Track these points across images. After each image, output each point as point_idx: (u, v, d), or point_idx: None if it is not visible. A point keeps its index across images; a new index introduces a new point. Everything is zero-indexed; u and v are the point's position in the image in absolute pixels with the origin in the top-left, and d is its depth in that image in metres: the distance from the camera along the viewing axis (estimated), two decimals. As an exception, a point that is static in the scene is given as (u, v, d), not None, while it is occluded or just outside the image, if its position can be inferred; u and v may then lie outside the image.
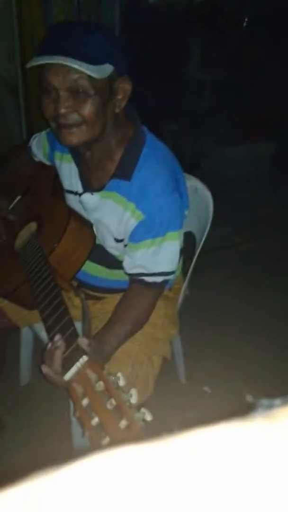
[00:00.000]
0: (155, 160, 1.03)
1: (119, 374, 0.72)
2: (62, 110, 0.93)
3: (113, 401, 0.68)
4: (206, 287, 2.24)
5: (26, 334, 1.61)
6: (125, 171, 1.03)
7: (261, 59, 3.71)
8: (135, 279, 1.09)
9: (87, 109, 0.93)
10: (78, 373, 0.79)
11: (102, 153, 1.06)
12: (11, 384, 1.75)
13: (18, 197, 1.36)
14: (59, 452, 1.52)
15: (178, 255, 1.10)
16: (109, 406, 0.68)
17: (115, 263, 1.18)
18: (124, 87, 0.99)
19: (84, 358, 0.80)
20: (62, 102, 0.92)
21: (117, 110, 1.00)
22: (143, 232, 1.04)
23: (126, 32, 2.22)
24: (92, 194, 1.09)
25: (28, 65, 0.92)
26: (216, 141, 3.81)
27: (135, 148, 1.04)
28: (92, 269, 1.22)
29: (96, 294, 1.28)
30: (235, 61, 3.68)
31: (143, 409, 0.66)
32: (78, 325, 1.28)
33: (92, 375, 0.76)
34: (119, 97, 0.99)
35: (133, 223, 1.04)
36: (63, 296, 0.99)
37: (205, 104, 3.81)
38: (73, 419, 1.31)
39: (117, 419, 0.66)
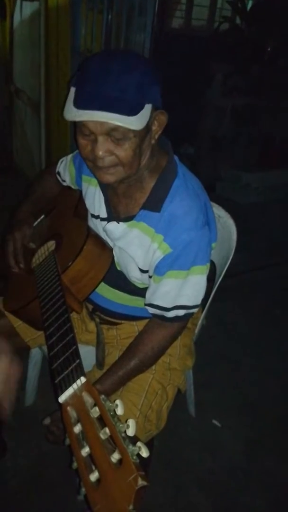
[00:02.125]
0: (186, 192, 1.00)
1: (117, 401, 0.65)
2: (100, 154, 0.90)
3: (107, 430, 0.61)
4: (218, 314, 2.20)
5: (35, 355, 1.57)
6: (155, 203, 1.00)
7: (281, 88, 3.74)
8: (156, 314, 1.06)
9: (125, 152, 0.91)
10: (73, 395, 0.72)
11: (133, 182, 1.03)
12: (16, 405, 1.71)
13: (42, 217, 1.35)
14: (64, 475, 1.47)
15: (203, 289, 1.06)
16: (102, 436, 0.61)
17: (134, 290, 1.15)
18: (160, 119, 0.96)
19: (82, 379, 0.73)
20: (100, 146, 0.89)
21: (152, 142, 0.98)
22: (169, 265, 1.01)
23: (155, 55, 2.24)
24: (118, 223, 1.07)
25: (68, 119, 0.87)
26: (233, 166, 3.82)
27: (167, 180, 1.01)
28: (110, 294, 1.19)
29: (112, 319, 1.25)
30: (256, 89, 3.71)
31: (139, 443, 0.58)
32: (91, 350, 1.25)
33: (88, 399, 0.69)
34: (154, 128, 0.96)
35: (159, 255, 1.01)
36: (70, 315, 0.94)
37: (223, 130, 3.83)
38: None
39: (109, 452, 0.59)
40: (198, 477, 1.55)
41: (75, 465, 0.64)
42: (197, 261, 1.01)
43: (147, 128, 0.92)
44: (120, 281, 1.15)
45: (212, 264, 1.41)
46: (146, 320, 1.11)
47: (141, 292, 1.14)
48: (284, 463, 1.63)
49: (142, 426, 1.06)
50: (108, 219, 1.10)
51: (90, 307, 1.27)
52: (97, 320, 1.26)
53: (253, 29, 3.84)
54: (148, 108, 0.89)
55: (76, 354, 0.80)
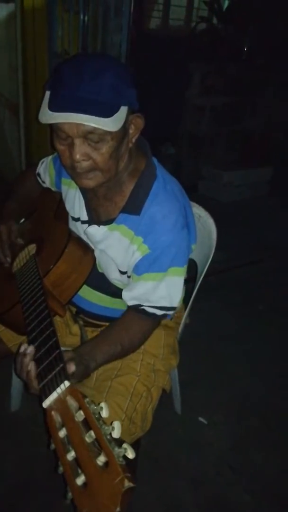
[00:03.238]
0: (165, 195, 1.01)
1: (102, 404, 0.65)
2: (78, 157, 0.89)
3: (92, 433, 0.61)
4: (202, 312, 2.22)
5: (19, 359, 1.55)
6: (135, 206, 1.01)
7: (259, 86, 3.79)
8: (135, 307, 1.06)
9: (102, 156, 0.90)
10: (57, 400, 0.71)
11: (112, 185, 1.03)
12: (1, 411, 1.70)
13: (22, 220, 1.34)
14: (51, 479, 1.46)
15: (181, 291, 1.07)
16: (87, 439, 0.61)
17: (116, 292, 1.15)
18: (137, 122, 0.96)
19: (66, 383, 0.73)
20: (76, 149, 0.89)
21: (130, 145, 0.97)
22: (146, 266, 1.02)
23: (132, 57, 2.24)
24: (99, 226, 1.07)
25: (44, 121, 0.87)
26: (214, 165, 3.84)
27: (146, 183, 1.01)
28: (93, 297, 1.19)
29: (95, 321, 1.25)
30: (234, 87, 3.75)
31: (125, 445, 0.58)
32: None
33: (72, 403, 0.69)
34: (131, 131, 0.96)
35: (137, 256, 1.02)
36: (53, 319, 0.93)
37: (204, 129, 3.86)
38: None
39: (94, 455, 0.59)
40: (186, 474, 1.56)
41: (61, 469, 0.64)
42: (174, 263, 1.02)
43: (124, 131, 0.92)
44: (102, 283, 1.15)
45: (193, 263, 1.43)
46: None
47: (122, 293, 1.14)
48: (271, 458, 1.65)
49: (127, 428, 1.06)
50: (89, 222, 1.09)
51: (74, 310, 1.27)
52: (81, 322, 1.26)
53: (229, 29, 3.87)
54: (123, 110, 0.89)
55: (60, 358, 0.80)
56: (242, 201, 3.81)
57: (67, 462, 0.62)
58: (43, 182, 1.32)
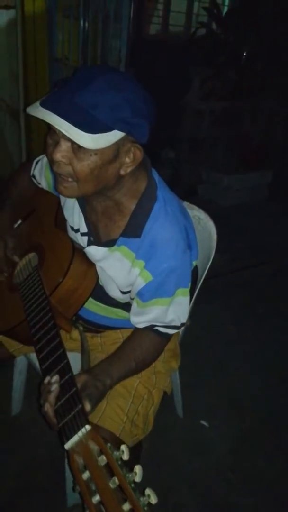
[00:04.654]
0: (165, 218, 0.98)
1: (123, 447, 0.67)
2: (57, 157, 0.87)
3: (116, 480, 0.64)
4: (203, 315, 2.22)
5: (20, 362, 1.56)
6: (135, 229, 0.99)
7: (258, 90, 3.81)
8: (147, 327, 1.06)
9: (82, 167, 0.87)
10: (79, 443, 0.74)
11: (110, 204, 1.01)
12: (3, 413, 1.70)
13: (19, 222, 1.31)
14: (53, 481, 1.46)
15: (188, 308, 1.08)
16: (111, 485, 0.63)
17: (117, 304, 1.15)
18: (135, 154, 0.91)
19: (87, 427, 0.75)
20: (58, 149, 0.86)
21: (122, 173, 0.92)
22: (152, 292, 1.01)
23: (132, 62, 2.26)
24: (98, 246, 1.06)
25: (27, 111, 0.85)
26: (214, 169, 3.86)
27: (146, 205, 0.99)
28: (93, 307, 1.18)
29: (96, 328, 1.25)
30: (233, 93, 3.77)
31: (147, 491, 0.61)
32: (76, 356, 1.25)
33: (94, 447, 0.71)
34: (128, 160, 0.91)
35: (140, 282, 1.01)
36: (61, 336, 0.94)
37: (203, 134, 3.87)
38: (68, 474, 1.27)
39: (119, 501, 0.62)
40: (187, 477, 1.56)
41: None
42: (180, 285, 1.02)
43: (115, 155, 0.88)
44: (103, 295, 1.14)
45: (194, 266, 1.43)
46: (130, 329, 1.11)
47: (123, 305, 1.14)
48: (272, 461, 1.65)
49: (129, 431, 1.06)
50: (88, 235, 1.08)
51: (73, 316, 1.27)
52: (81, 328, 1.25)
53: (228, 34, 3.90)
54: (116, 134, 0.85)
55: (78, 397, 0.82)
56: (242, 205, 3.82)
57: (92, 505, 0.64)
58: (39, 183, 1.28)
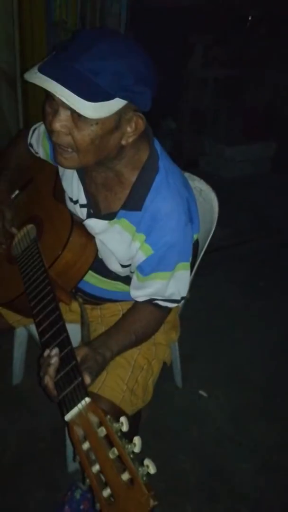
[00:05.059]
0: (167, 190, 0.96)
1: (122, 419, 0.68)
2: (57, 127, 0.84)
3: (115, 450, 0.65)
4: (203, 288, 2.22)
5: (20, 334, 1.57)
6: (136, 202, 0.96)
7: (263, 58, 3.69)
8: (147, 301, 1.05)
9: (82, 136, 0.84)
10: (79, 415, 0.75)
11: (111, 175, 0.99)
12: (3, 384, 1.72)
13: (16, 192, 1.29)
14: (53, 451, 1.49)
15: (188, 282, 1.07)
16: (111, 455, 0.65)
17: (117, 277, 1.14)
18: (137, 123, 0.88)
19: (87, 400, 0.75)
20: (58, 118, 0.83)
21: (123, 143, 0.90)
22: (152, 266, 1.00)
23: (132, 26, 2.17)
24: (98, 219, 1.03)
25: (25, 77, 0.81)
26: (216, 140, 3.78)
27: (148, 176, 0.96)
28: (92, 279, 1.17)
29: (95, 301, 1.25)
30: (237, 60, 3.65)
31: (146, 461, 0.62)
32: (76, 328, 1.25)
33: (94, 419, 0.73)
34: (129, 130, 0.88)
35: (141, 256, 1.00)
36: (60, 309, 0.94)
37: (206, 103, 3.78)
38: (68, 442, 1.29)
39: (119, 471, 0.63)
40: (186, 445, 1.59)
41: (87, 482, 0.66)
42: (180, 259, 1.01)
43: (117, 124, 0.85)
44: (102, 268, 1.13)
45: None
46: (130, 301, 1.11)
47: (123, 278, 1.13)
48: (271, 429, 1.68)
49: (129, 400, 1.07)
50: (87, 207, 1.05)
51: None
52: (80, 300, 1.25)
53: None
54: (118, 102, 0.82)
55: (78, 370, 0.82)
56: (245, 177, 3.76)
57: (92, 474, 0.66)
58: (36, 153, 1.24)
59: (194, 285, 1.43)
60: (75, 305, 1.28)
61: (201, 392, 1.80)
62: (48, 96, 0.84)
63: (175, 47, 3.37)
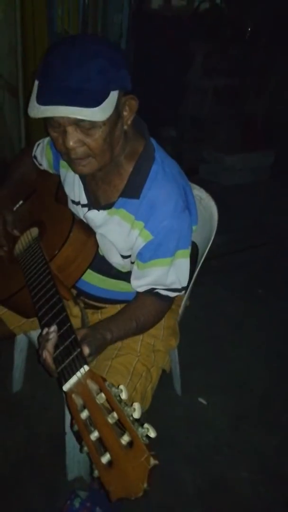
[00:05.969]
0: (164, 178, 1.00)
1: (121, 387, 0.68)
2: (71, 144, 0.88)
3: (115, 414, 0.64)
4: (202, 295, 2.23)
5: (20, 341, 1.57)
6: (134, 190, 1.00)
7: (262, 68, 3.73)
8: (148, 291, 1.07)
9: (96, 142, 0.89)
10: (78, 383, 0.74)
11: (110, 168, 1.02)
12: (3, 390, 1.72)
13: (20, 202, 1.33)
14: (53, 457, 1.49)
15: (188, 271, 1.08)
16: (110, 420, 0.64)
17: (118, 275, 1.16)
18: (131, 104, 0.94)
19: (85, 367, 0.75)
20: (69, 136, 0.88)
21: (125, 127, 0.96)
22: (152, 252, 1.02)
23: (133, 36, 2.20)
24: (98, 211, 1.07)
25: (33, 116, 0.85)
26: (216, 148, 3.81)
27: (144, 165, 1.00)
28: (94, 279, 1.19)
29: (96, 303, 1.26)
30: (236, 69, 3.69)
31: (146, 425, 0.62)
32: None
33: (93, 386, 0.72)
34: (125, 113, 0.94)
35: (140, 242, 1.02)
36: (64, 304, 0.95)
37: (205, 112, 3.81)
38: (68, 431, 1.29)
39: (118, 435, 0.62)
40: (185, 453, 1.59)
41: (85, 449, 0.66)
42: (180, 246, 1.02)
43: (117, 114, 0.91)
44: (103, 265, 1.15)
45: (195, 245, 1.43)
46: None
47: (124, 276, 1.15)
48: (269, 437, 1.67)
49: None
50: (88, 206, 1.09)
51: (74, 292, 1.28)
52: (82, 305, 1.27)
53: (232, 8, 3.80)
54: (114, 95, 0.87)
55: (76, 343, 0.83)
56: (244, 185, 3.79)
57: (91, 442, 0.65)
58: (40, 164, 1.31)
59: (193, 292, 1.44)
60: (76, 310, 1.29)
61: (201, 400, 1.80)
62: (49, 122, 0.89)
63: (175, 56, 3.41)
